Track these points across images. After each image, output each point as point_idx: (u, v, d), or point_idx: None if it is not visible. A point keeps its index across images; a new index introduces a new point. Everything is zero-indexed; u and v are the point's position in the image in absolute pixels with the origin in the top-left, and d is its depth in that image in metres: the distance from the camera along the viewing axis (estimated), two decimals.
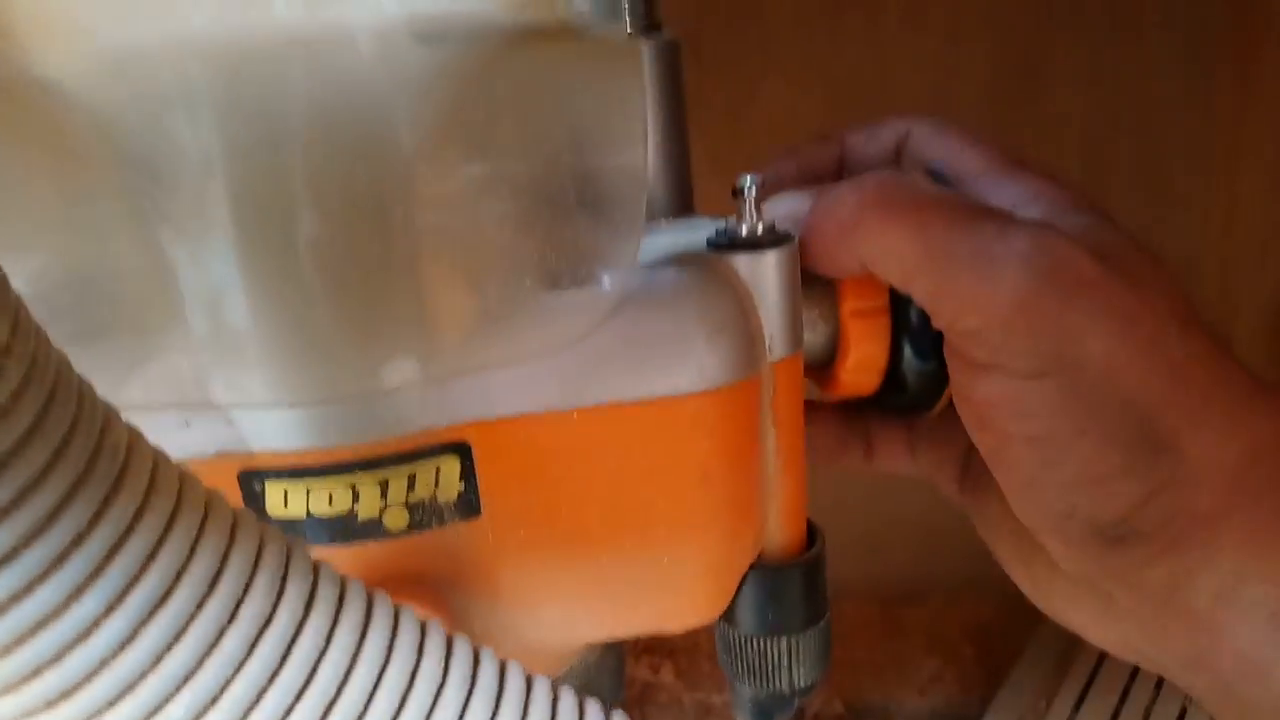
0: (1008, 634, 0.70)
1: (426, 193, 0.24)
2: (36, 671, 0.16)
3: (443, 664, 0.20)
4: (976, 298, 0.26)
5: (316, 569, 0.20)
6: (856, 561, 0.73)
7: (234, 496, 0.26)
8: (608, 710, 0.21)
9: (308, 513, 0.26)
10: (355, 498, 0.26)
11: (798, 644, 0.31)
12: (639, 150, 0.25)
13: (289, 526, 0.26)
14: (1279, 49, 0.62)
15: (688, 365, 0.27)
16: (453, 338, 0.26)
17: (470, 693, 0.20)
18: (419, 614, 0.21)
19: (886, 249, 0.27)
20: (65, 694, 0.16)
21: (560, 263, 0.26)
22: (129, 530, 0.17)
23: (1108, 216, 0.29)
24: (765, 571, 0.31)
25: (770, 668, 0.31)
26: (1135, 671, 0.63)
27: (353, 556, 0.27)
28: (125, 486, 0.17)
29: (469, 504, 0.27)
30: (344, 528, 0.26)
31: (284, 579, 0.19)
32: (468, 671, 0.20)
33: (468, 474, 0.27)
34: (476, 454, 0.27)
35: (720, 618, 0.32)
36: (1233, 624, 0.25)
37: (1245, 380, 0.27)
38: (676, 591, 0.30)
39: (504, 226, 0.25)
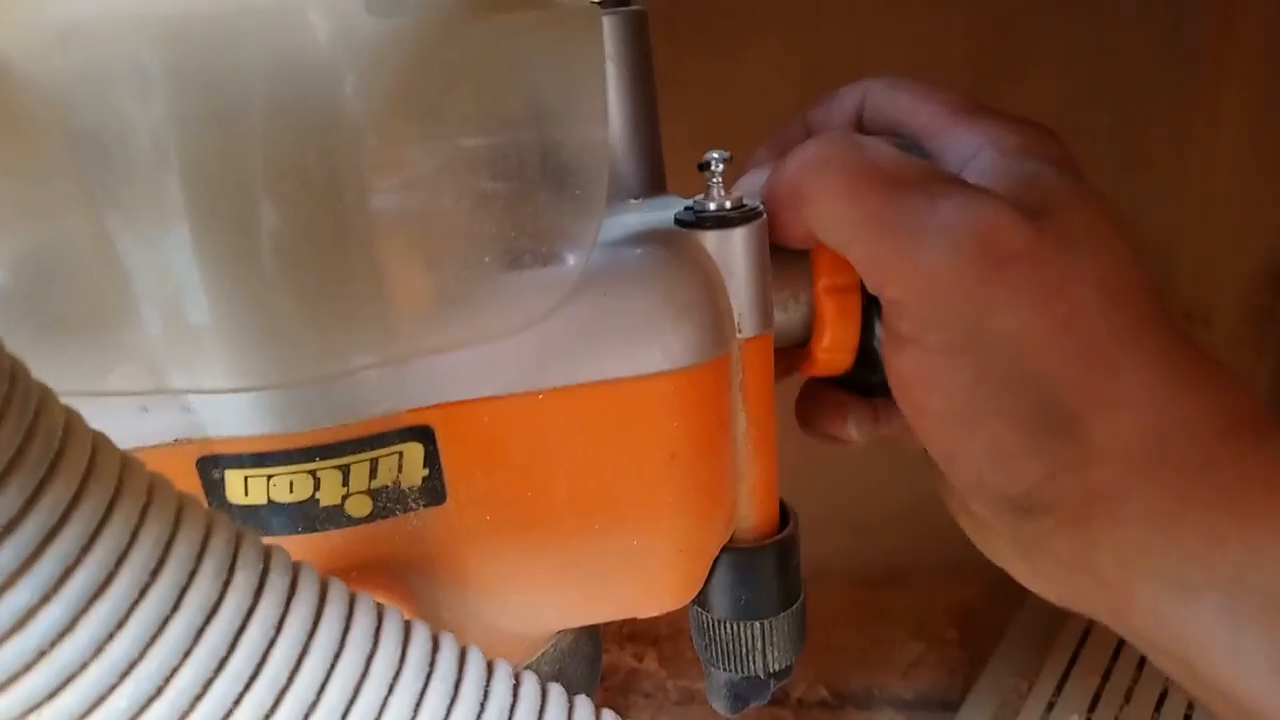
0: (992, 617, 0.70)
1: (383, 169, 0.24)
2: None
3: (399, 650, 0.19)
4: (899, 268, 0.26)
5: (268, 556, 0.19)
6: (840, 545, 0.73)
7: (193, 484, 0.26)
8: (572, 696, 0.21)
9: (269, 500, 0.25)
10: (316, 485, 0.25)
11: (771, 627, 0.30)
12: (599, 123, 0.25)
13: (250, 514, 0.26)
14: (1256, 27, 0.62)
15: (654, 345, 0.26)
16: (412, 318, 0.25)
17: (428, 679, 0.19)
18: (378, 601, 0.20)
19: (826, 213, 0.27)
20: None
21: (520, 240, 0.25)
22: (65, 517, 0.16)
23: (1064, 160, 0.28)
24: (737, 554, 0.30)
25: (744, 651, 0.31)
26: (1117, 652, 0.63)
27: (316, 545, 0.26)
28: (61, 471, 0.16)
29: (434, 490, 0.26)
30: (306, 515, 0.26)
31: (232, 566, 0.18)
32: (425, 658, 0.19)
33: (431, 459, 0.26)
34: (440, 438, 0.26)
35: (694, 601, 0.31)
36: (1140, 590, 0.26)
37: (1170, 356, 0.26)
38: (647, 575, 0.29)
39: (462, 203, 0.25)
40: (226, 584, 0.18)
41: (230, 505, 0.26)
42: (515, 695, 0.20)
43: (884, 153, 0.28)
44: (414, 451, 0.26)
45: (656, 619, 0.74)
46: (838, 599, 0.74)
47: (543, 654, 0.31)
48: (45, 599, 0.16)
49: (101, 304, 0.24)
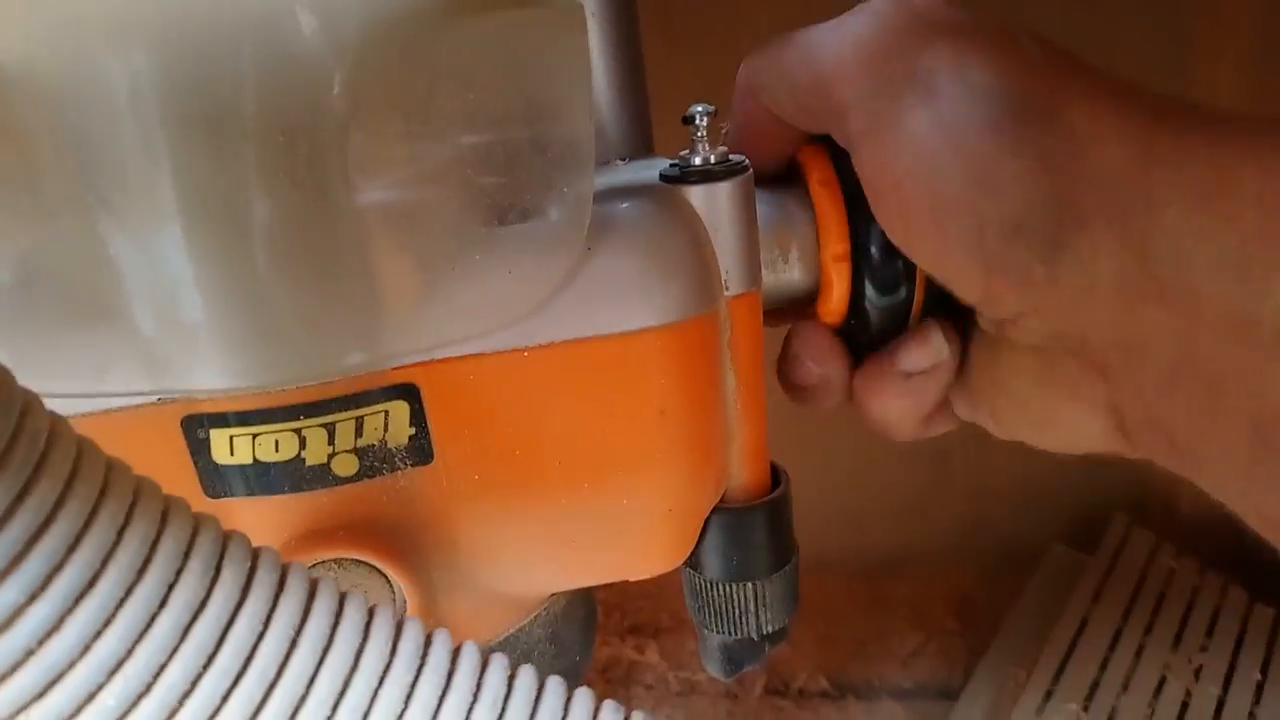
0: (990, 606, 0.70)
1: (372, 162, 0.24)
2: None
3: (389, 644, 0.19)
4: (835, 64, 0.28)
5: (255, 554, 0.19)
6: (839, 536, 0.73)
7: (178, 444, 0.25)
8: (570, 688, 0.21)
9: (254, 459, 0.25)
10: (302, 443, 0.25)
11: (764, 588, 0.30)
12: (584, 112, 0.25)
13: (236, 473, 0.25)
14: (1253, 16, 0.62)
15: (641, 301, 0.26)
16: (405, 316, 0.25)
17: (419, 672, 0.19)
18: (368, 599, 0.20)
19: (770, 80, 0.30)
20: None
21: (509, 234, 0.25)
22: (51, 516, 0.16)
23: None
24: (729, 514, 0.30)
25: (737, 613, 0.30)
26: (1114, 642, 0.63)
27: (303, 504, 0.26)
28: (46, 473, 0.17)
29: (420, 449, 0.26)
30: (292, 475, 0.26)
31: (219, 564, 0.18)
32: (416, 651, 0.19)
33: (418, 418, 0.26)
34: (426, 397, 0.26)
35: (686, 563, 0.31)
36: (1201, 286, 0.24)
37: (1119, 81, 0.26)
38: (638, 536, 0.29)
39: (449, 196, 0.25)
40: (213, 581, 0.18)
41: (216, 465, 0.25)
42: (510, 687, 0.20)
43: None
44: (400, 410, 0.26)
45: (657, 611, 0.74)
46: (837, 590, 0.74)
47: (536, 616, 0.31)
48: (32, 598, 0.16)
49: (95, 305, 0.24)
